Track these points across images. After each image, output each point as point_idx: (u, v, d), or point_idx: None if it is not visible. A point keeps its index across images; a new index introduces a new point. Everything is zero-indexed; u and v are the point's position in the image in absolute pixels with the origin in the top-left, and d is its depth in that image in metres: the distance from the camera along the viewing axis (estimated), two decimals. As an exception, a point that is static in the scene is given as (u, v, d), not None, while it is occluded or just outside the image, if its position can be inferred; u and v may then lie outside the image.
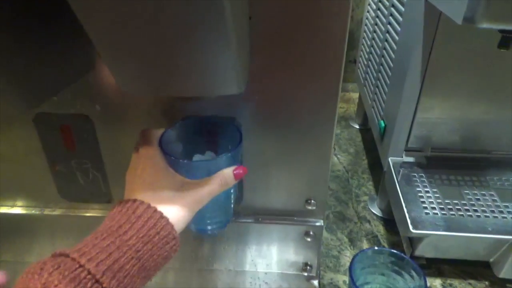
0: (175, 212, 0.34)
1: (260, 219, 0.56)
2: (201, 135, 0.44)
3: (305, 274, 0.61)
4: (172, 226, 0.33)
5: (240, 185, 0.53)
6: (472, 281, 0.62)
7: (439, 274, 0.63)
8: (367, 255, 0.51)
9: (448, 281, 0.62)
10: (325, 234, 0.71)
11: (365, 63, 0.92)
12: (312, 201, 0.54)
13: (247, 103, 0.46)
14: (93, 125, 0.50)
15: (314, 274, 0.61)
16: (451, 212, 0.56)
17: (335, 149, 0.96)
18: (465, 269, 0.64)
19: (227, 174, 0.38)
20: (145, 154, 0.37)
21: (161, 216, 0.33)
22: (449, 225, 0.54)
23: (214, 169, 0.38)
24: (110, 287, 0.28)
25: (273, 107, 0.46)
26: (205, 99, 0.45)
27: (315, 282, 0.63)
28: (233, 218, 0.56)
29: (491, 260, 0.58)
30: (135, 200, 0.33)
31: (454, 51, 0.56)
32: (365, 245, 0.69)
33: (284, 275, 0.63)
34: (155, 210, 0.33)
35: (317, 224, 0.56)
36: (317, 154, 0.50)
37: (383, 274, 0.53)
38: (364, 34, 0.95)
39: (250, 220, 0.56)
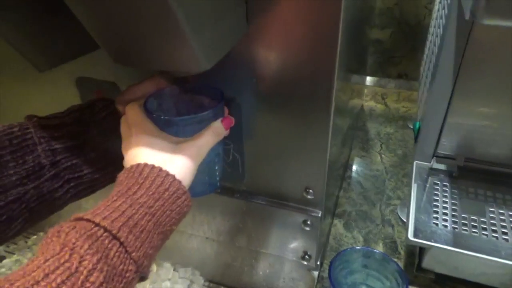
0: (179, 168, 0.35)
1: (259, 200, 0.58)
2: (183, 102, 0.46)
3: (305, 263, 0.61)
4: (179, 182, 0.34)
5: (240, 161, 0.55)
6: (488, 309, 0.56)
7: (451, 293, 0.58)
8: (352, 253, 0.50)
9: (459, 303, 0.57)
10: (340, 230, 0.70)
11: (424, 60, 0.85)
12: (311, 190, 0.54)
13: (246, 84, 0.47)
14: (119, 91, 0.56)
15: (313, 265, 0.61)
16: (464, 228, 0.51)
17: (381, 147, 0.92)
18: (484, 294, 0.58)
19: (217, 124, 0.40)
20: (135, 122, 0.38)
21: (167, 173, 0.34)
22: (456, 241, 0.49)
23: (203, 125, 0.40)
24: (128, 241, 0.29)
25: (271, 90, 0.47)
26: (204, 77, 0.48)
27: (315, 273, 0.63)
28: (234, 194, 0.58)
29: (510, 290, 0.52)
30: (139, 164, 0.34)
31: (494, 47, 0.49)
32: (379, 247, 0.66)
33: (285, 260, 0.64)
34: (161, 169, 0.34)
35: (314, 214, 0.55)
36: (314, 144, 0.49)
37: (368, 274, 0.51)
38: (430, 29, 0.87)
39: (251, 200, 0.58)
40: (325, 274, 0.63)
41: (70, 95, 0.59)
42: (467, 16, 0.37)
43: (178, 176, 0.35)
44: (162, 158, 0.35)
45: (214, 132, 0.40)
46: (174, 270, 0.74)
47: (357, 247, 0.51)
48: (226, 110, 0.44)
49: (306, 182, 0.53)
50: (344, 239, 0.68)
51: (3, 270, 0.77)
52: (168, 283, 0.72)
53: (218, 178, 0.47)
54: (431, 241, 0.50)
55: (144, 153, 0.36)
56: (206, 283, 0.73)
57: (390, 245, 0.66)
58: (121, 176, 0.35)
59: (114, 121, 0.42)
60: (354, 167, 0.85)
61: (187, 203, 0.35)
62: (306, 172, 0.52)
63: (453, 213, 0.53)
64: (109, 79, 0.56)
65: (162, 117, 0.39)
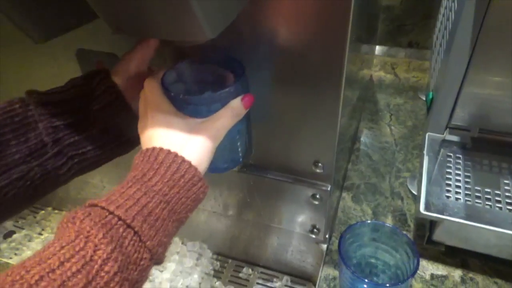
0: (195, 154, 0.34)
1: (268, 174, 0.57)
2: (203, 76, 0.44)
3: (313, 236, 0.61)
4: (195, 168, 0.34)
5: (249, 135, 0.54)
6: (499, 281, 0.55)
7: (462, 265, 0.58)
8: (363, 227, 0.49)
9: (470, 275, 0.56)
10: (349, 203, 0.69)
11: (438, 28, 0.82)
12: (320, 164, 0.53)
13: (254, 55, 0.45)
14: (121, 64, 0.54)
15: (321, 238, 0.60)
16: (477, 201, 0.50)
17: (391, 119, 0.89)
18: (496, 266, 0.57)
19: (236, 104, 0.39)
20: (151, 101, 0.37)
21: (183, 160, 0.33)
22: (469, 214, 0.48)
23: (222, 103, 0.38)
24: (142, 230, 0.29)
25: (280, 60, 0.45)
26: (210, 46, 0.46)
27: (324, 246, 0.63)
28: (242, 168, 0.57)
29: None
30: (154, 148, 0.33)
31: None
32: (388, 220, 0.65)
33: (294, 233, 0.64)
34: (176, 155, 0.33)
35: (324, 188, 0.54)
36: (324, 117, 0.48)
37: (377, 248, 0.51)
38: (442, 2, 0.83)
39: (259, 173, 0.57)
40: (334, 247, 0.62)
41: (70, 67, 0.58)
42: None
43: (194, 162, 0.34)
44: (179, 142, 0.34)
45: (233, 113, 0.38)
46: (182, 243, 0.75)
47: (367, 221, 0.50)
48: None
49: (315, 155, 0.52)
50: (352, 212, 0.67)
51: (13, 244, 0.78)
52: (176, 257, 0.72)
53: (240, 155, 0.46)
54: (443, 214, 0.49)
55: (160, 135, 0.35)
56: (214, 256, 0.73)
57: (400, 218, 0.65)
58: (136, 159, 0.34)
59: (112, 94, 0.40)
60: (363, 139, 0.84)
61: (203, 190, 0.34)
62: (315, 145, 0.51)
63: (466, 186, 0.52)
64: (110, 50, 0.54)
65: (179, 96, 0.37)
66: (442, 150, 0.59)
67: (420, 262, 0.58)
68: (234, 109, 0.38)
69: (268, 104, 0.49)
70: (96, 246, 0.26)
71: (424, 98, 0.96)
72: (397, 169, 0.76)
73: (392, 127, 0.87)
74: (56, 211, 0.86)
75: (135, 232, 0.28)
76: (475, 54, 0.51)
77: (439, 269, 0.57)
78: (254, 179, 0.58)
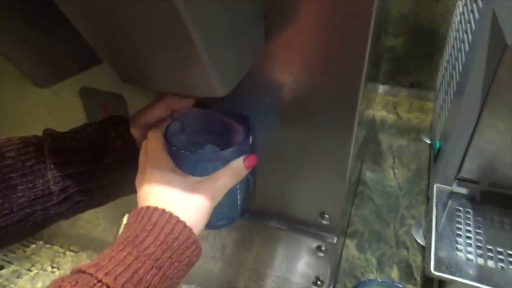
0: (191, 214, 0.33)
1: (270, 222, 0.54)
2: (206, 128, 0.44)
3: (316, 288, 0.58)
4: (190, 230, 0.32)
5: (252, 181, 0.52)
6: None
7: (471, 326, 0.55)
8: (369, 286, 0.47)
9: (480, 337, 0.54)
10: (353, 251, 0.67)
11: (442, 72, 0.82)
12: (326, 215, 0.51)
13: (260, 100, 0.44)
14: (126, 105, 0.53)
15: (325, 291, 0.58)
16: (490, 261, 0.48)
17: (394, 161, 0.88)
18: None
19: (238, 165, 0.37)
20: (151, 156, 0.36)
21: (178, 220, 0.32)
22: (482, 276, 0.46)
23: (223, 163, 0.37)
24: None
25: (288, 107, 0.43)
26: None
27: (326, 299, 0.60)
28: (243, 214, 0.55)
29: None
30: (148, 207, 0.32)
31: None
32: (394, 272, 0.63)
33: (295, 284, 0.61)
34: (171, 215, 0.32)
35: (329, 240, 0.52)
36: (333, 166, 0.46)
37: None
38: (448, 39, 0.84)
39: (260, 221, 0.55)
40: (337, 300, 0.60)
41: (73, 105, 0.56)
42: (510, 41, 0.34)
43: (189, 222, 0.32)
44: (174, 200, 0.33)
45: (234, 174, 0.37)
46: (177, 287, 0.71)
47: (376, 279, 0.48)
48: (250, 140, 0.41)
49: (321, 206, 0.50)
50: (357, 261, 0.65)
51: (0, 280, 0.74)
52: (171, 301, 0.69)
53: (238, 213, 0.45)
54: (455, 275, 0.46)
55: (156, 193, 0.33)
56: (210, 302, 0.70)
57: (405, 270, 0.63)
58: (130, 218, 0.33)
59: (129, 150, 0.40)
60: (366, 182, 0.82)
61: (197, 253, 0.33)
62: (322, 195, 0.49)
63: (477, 244, 0.50)
64: (115, 90, 0.53)
65: (179, 151, 0.36)
66: (450, 202, 0.57)
67: (428, 321, 0.55)
68: (235, 169, 0.37)
69: (272, 148, 0.48)
70: None
71: (427, 141, 0.95)
72: (402, 215, 0.74)
73: (396, 170, 0.86)
74: (47, 245, 0.83)
75: None
76: (486, 105, 0.50)
77: (448, 329, 0.55)
78: (256, 226, 0.56)
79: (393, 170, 0.86)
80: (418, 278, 0.61)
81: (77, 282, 0.26)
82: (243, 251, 0.61)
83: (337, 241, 0.52)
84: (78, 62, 0.41)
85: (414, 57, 1.10)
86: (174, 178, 0.35)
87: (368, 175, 0.84)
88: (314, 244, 0.53)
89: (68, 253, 0.80)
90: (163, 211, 0.32)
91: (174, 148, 0.36)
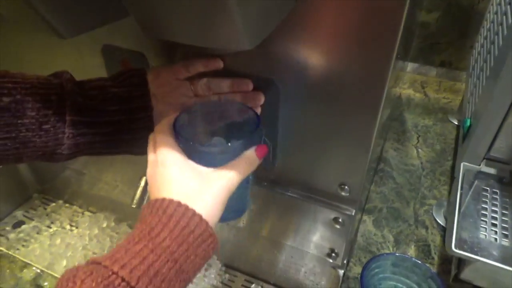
0: (207, 206, 0.32)
1: (289, 191, 0.54)
2: (215, 119, 0.42)
3: (330, 260, 0.58)
4: (206, 223, 0.31)
5: (272, 149, 0.51)
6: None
7: (488, 308, 0.54)
8: (386, 259, 0.46)
9: (497, 320, 0.52)
10: (370, 227, 0.66)
11: (478, 50, 0.77)
12: (346, 187, 0.49)
13: (288, 66, 0.42)
14: (147, 63, 0.52)
15: (339, 263, 0.57)
16: (515, 243, 0.46)
17: (418, 141, 0.86)
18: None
19: (251, 155, 0.37)
20: (161, 148, 0.35)
21: (194, 213, 0.31)
22: (505, 256, 0.45)
23: (235, 154, 0.36)
24: None
25: (315, 76, 0.42)
26: (243, 57, 0.43)
27: (340, 272, 0.59)
28: (261, 182, 0.55)
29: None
30: (164, 199, 0.31)
31: None
32: (411, 250, 0.62)
33: (309, 254, 0.60)
34: (187, 208, 0.31)
35: (347, 213, 0.51)
36: (357, 139, 0.45)
37: (398, 282, 0.47)
38: (486, 19, 0.79)
39: (279, 189, 0.54)
40: (351, 274, 0.59)
41: (95, 63, 0.56)
42: None
43: (205, 215, 0.31)
44: (189, 193, 0.32)
45: (247, 163, 0.36)
46: (191, 251, 0.72)
47: (393, 253, 0.47)
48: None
49: (341, 177, 0.49)
50: (373, 237, 0.64)
51: (21, 235, 0.77)
52: (184, 265, 0.70)
53: (247, 205, 0.44)
54: (477, 255, 0.45)
55: (170, 185, 0.32)
56: (223, 269, 0.71)
57: (423, 249, 0.62)
58: (144, 210, 0.32)
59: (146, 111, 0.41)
60: (388, 160, 0.80)
61: (213, 246, 0.32)
62: (343, 166, 0.48)
63: (502, 225, 0.48)
64: (137, 48, 0.52)
65: (190, 142, 0.35)
66: (477, 182, 0.55)
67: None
68: (248, 159, 0.36)
69: (296, 118, 0.46)
70: None
71: (455, 122, 0.92)
72: (423, 195, 0.72)
73: (419, 150, 0.83)
74: (67, 204, 0.84)
75: None
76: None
77: (464, 310, 0.54)
78: (273, 195, 0.55)
79: (417, 150, 0.83)
80: (436, 257, 0.60)
81: (91, 273, 0.26)
82: (259, 219, 0.61)
83: (355, 213, 0.51)
84: (101, 14, 0.40)
85: (447, 34, 1.05)
86: (188, 170, 0.34)
87: (391, 153, 0.82)
88: (332, 215, 0.52)
89: (86, 213, 0.82)
90: (179, 203, 0.31)
91: (185, 139, 0.35)
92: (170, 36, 0.33)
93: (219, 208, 0.33)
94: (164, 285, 0.28)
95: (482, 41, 0.77)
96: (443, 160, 0.80)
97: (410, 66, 1.10)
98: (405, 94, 1.03)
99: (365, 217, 0.67)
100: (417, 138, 0.86)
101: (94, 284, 0.25)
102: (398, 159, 0.80)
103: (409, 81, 1.07)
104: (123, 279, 0.26)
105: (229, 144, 0.36)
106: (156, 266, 0.28)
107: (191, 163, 0.34)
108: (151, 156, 0.36)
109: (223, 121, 0.42)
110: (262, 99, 0.44)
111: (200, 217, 0.31)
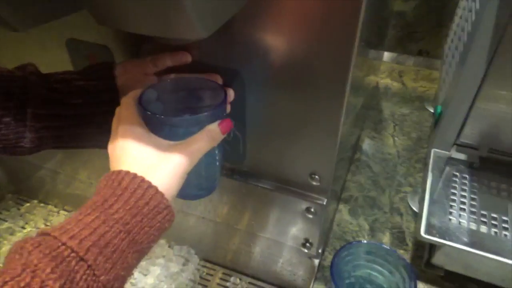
0: (164, 179, 0.32)
1: (260, 183, 0.53)
2: (182, 95, 0.42)
3: (305, 250, 0.57)
4: (162, 195, 0.31)
5: (242, 141, 0.50)
6: (499, 312, 0.52)
7: (460, 292, 0.54)
8: (359, 247, 0.46)
9: (469, 303, 0.53)
10: (346, 216, 0.66)
11: (451, 37, 0.78)
12: (316, 176, 0.49)
13: (252, 56, 0.42)
14: (112, 56, 0.51)
15: (314, 253, 0.57)
16: (483, 226, 0.47)
17: (395, 129, 0.86)
18: (497, 296, 0.54)
19: (213, 128, 0.36)
20: (124, 119, 0.35)
21: (150, 185, 0.31)
22: (473, 240, 0.45)
23: (199, 127, 0.36)
24: (96, 264, 0.26)
25: (279, 61, 0.41)
26: (209, 49, 0.43)
27: (316, 261, 0.59)
28: (234, 175, 0.54)
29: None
30: (120, 171, 0.31)
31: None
32: (386, 238, 0.62)
33: (285, 245, 0.60)
34: (143, 180, 0.31)
35: (319, 202, 0.51)
36: (325, 127, 0.44)
37: (372, 270, 0.47)
38: (459, 6, 0.80)
39: (251, 181, 0.54)
40: (326, 263, 0.59)
41: (59, 57, 0.54)
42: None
43: (161, 187, 0.31)
44: (147, 165, 0.32)
45: (209, 137, 0.35)
46: (169, 247, 0.72)
47: (363, 241, 0.47)
48: (228, 107, 0.40)
49: (312, 166, 0.49)
50: (349, 226, 0.64)
51: (-6, 236, 0.75)
52: (162, 260, 0.69)
53: (216, 183, 0.43)
54: (445, 239, 0.45)
55: (128, 157, 0.32)
56: (202, 263, 0.70)
57: (398, 236, 0.62)
58: (101, 182, 0.31)
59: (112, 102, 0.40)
60: (364, 149, 0.80)
61: (169, 218, 0.31)
62: (312, 156, 0.48)
63: (471, 209, 0.49)
64: (102, 42, 0.51)
65: (154, 115, 0.34)
66: (447, 168, 0.55)
67: (418, 286, 0.54)
68: (211, 132, 0.35)
69: (263, 108, 0.46)
70: (43, 282, 0.23)
71: (431, 110, 0.92)
72: (398, 183, 0.72)
73: (396, 138, 0.83)
74: (42, 204, 0.83)
75: (89, 266, 0.26)
76: (491, 68, 0.47)
77: (437, 294, 0.54)
78: (246, 187, 0.55)
79: (393, 138, 0.83)
80: (410, 244, 0.60)
81: (40, 244, 0.25)
82: (234, 212, 0.60)
83: (327, 202, 0.51)
84: (55, 6, 0.39)
85: (423, 24, 1.06)
86: (147, 142, 0.33)
87: (367, 142, 0.82)
88: (304, 205, 0.52)
89: (62, 212, 0.80)
90: (135, 175, 0.30)
91: (148, 112, 0.34)
92: (124, 26, 0.32)
93: (178, 181, 0.33)
94: (115, 255, 0.27)
95: (455, 29, 0.77)
96: (419, 147, 0.81)
97: (388, 55, 1.10)
98: (383, 83, 1.03)
99: (341, 206, 0.67)
100: (394, 127, 0.87)
101: (41, 256, 0.25)
102: (374, 148, 0.80)
103: (387, 71, 1.07)
104: (72, 250, 0.26)
105: (190, 116, 0.36)
106: (107, 237, 0.27)
107: (152, 136, 0.34)
108: (114, 128, 0.36)
109: (191, 98, 0.42)
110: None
111: (156, 189, 0.31)
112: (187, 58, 0.44)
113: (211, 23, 0.31)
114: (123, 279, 0.28)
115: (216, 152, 0.40)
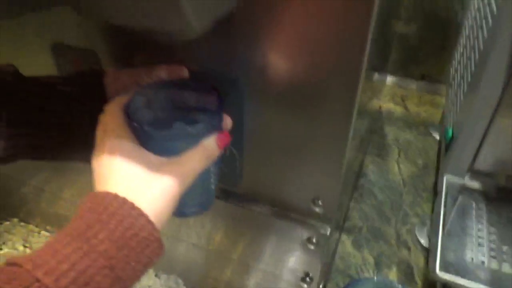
0: (155, 203, 0.28)
1: (257, 207, 0.48)
2: (173, 100, 0.37)
3: (305, 285, 0.52)
4: (153, 226, 0.27)
5: (239, 161, 0.46)
6: None
7: (477, 337, 0.49)
8: (365, 285, 0.41)
9: None
10: (349, 248, 0.61)
11: (456, 59, 0.75)
12: (320, 202, 0.45)
13: (253, 70, 0.38)
14: (99, 62, 0.47)
15: (314, 288, 0.52)
16: (505, 264, 0.42)
17: (399, 155, 0.82)
18: None
19: (210, 144, 0.32)
20: (111, 133, 0.31)
21: (140, 213, 0.27)
22: (493, 281, 0.40)
23: (192, 141, 0.32)
24: None
25: (283, 81, 0.38)
26: (205, 54, 0.39)
27: (316, 298, 0.54)
28: (228, 198, 0.49)
29: None
30: (107, 194, 0.27)
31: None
32: (392, 273, 0.57)
33: (282, 280, 0.55)
34: (133, 206, 0.27)
35: (322, 231, 0.46)
36: (329, 148, 0.40)
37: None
38: (466, 22, 0.77)
39: (247, 206, 0.49)
40: (328, 300, 0.54)
41: (45, 62, 0.51)
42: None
43: (152, 216, 0.27)
44: (138, 187, 0.28)
45: (205, 154, 0.31)
46: (155, 276, 0.66)
47: (372, 278, 0.42)
48: (226, 119, 0.35)
49: (315, 191, 0.44)
50: (352, 259, 0.59)
51: (-32, 258, 0.69)
52: (147, 291, 0.64)
53: (212, 197, 0.39)
54: (464, 278, 0.40)
55: (115, 176, 0.28)
56: (190, 294, 0.64)
57: (405, 271, 0.57)
58: (84, 204, 0.26)
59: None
60: (368, 175, 0.76)
61: (157, 252, 0.27)
62: (316, 179, 0.43)
63: (491, 245, 0.44)
64: (88, 46, 0.47)
65: (142, 127, 0.30)
66: (461, 197, 0.51)
67: (429, 329, 0.49)
68: (207, 149, 0.32)
69: (265, 126, 0.42)
70: None
71: (437, 136, 0.89)
72: (405, 213, 0.67)
73: (401, 165, 0.79)
74: (22, 223, 0.77)
75: None
76: (510, 86, 0.43)
77: None
78: (241, 211, 0.50)
79: (398, 164, 0.79)
80: (419, 281, 0.55)
81: (14, 279, 0.22)
82: (227, 239, 0.55)
83: (330, 232, 0.46)
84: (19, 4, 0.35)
85: (427, 46, 1.03)
86: (137, 160, 0.29)
87: (371, 168, 0.78)
88: (305, 234, 0.47)
89: (43, 232, 0.75)
90: (124, 200, 0.27)
91: (136, 124, 0.31)
92: (105, 16, 0.28)
93: (170, 205, 0.29)
94: None
95: (461, 49, 0.74)
96: (425, 175, 0.76)
97: (390, 79, 1.08)
98: (385, 107, 1.00)
99: (344, 237, 0.62)
100: (398, 152, 0.83)
101: None
102: (378, 175, 0.76)
103: (389, 94, 1.04)
104: None
105: (183, 129, 0.31)
106: (88, 273, 0.24)
107: (142, 152, 0.30)
108: (99, 139, 0.31)
109: (183, 102, 0.37)
110: None
111: (147, 218, 0.27)
112: (184, 72, 0.40)
113: (205, 17, 0.27)
114: None
115: (214, 165, 0.36)
